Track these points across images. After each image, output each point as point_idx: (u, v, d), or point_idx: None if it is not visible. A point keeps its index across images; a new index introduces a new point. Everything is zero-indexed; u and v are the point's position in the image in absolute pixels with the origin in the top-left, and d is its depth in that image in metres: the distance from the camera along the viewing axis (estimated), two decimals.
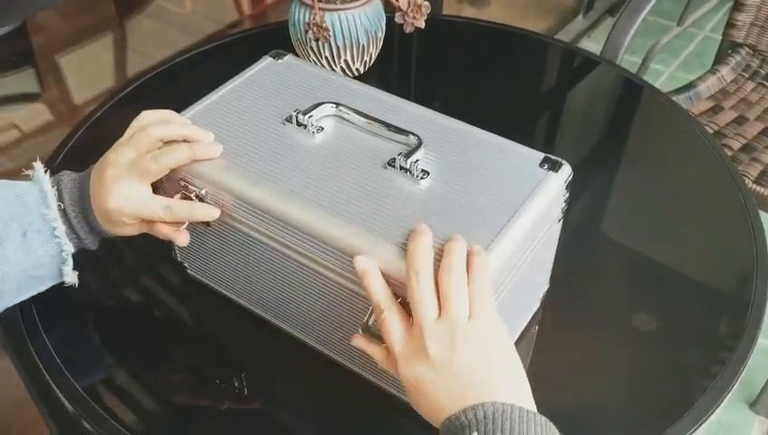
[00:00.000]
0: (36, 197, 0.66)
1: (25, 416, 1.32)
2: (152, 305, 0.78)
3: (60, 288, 0.68)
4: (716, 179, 0.93)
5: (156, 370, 0.72)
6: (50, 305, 0.73)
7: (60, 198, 0.66)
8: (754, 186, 1.28)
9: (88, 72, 1.67)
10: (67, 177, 0.68)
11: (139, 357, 0.73)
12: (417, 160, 0.65)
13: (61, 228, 0.66)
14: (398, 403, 0.66)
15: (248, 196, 0.65)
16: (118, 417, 0.66)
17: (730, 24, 1.53)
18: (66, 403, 0.68)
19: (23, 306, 0.71)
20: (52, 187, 0.66)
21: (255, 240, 0.67)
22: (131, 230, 0.69)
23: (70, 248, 0.67)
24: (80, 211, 0.67)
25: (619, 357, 0.74)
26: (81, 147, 0.94)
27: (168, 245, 0.77)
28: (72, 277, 0.68)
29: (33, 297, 0.68)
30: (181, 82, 1.07)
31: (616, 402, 0.70)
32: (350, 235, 0.60)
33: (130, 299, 0.79)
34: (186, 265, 0.77)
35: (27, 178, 0.67)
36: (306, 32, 0.98)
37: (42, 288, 0.68)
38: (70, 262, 0.67)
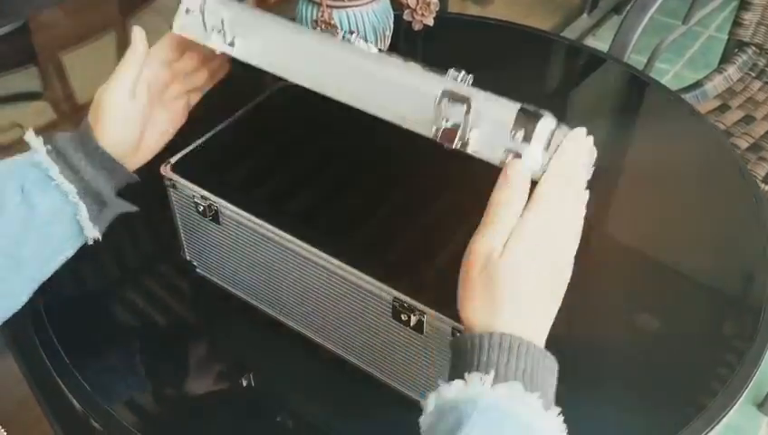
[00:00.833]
0: (26, 154, 0.63)
1: (28, 416, 1.31)
2: (161, 304, 0.78)
3: (62, 289, 0.67)
4: (727, 177, 0.93)
5: (164, 368, 0.72)
6: (56, 306, 0.73)
7: (49, 141, 0.63)
8: (762, 185, 1.27)
9: (91, 70, 1.66)
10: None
11: (147, 356, 0.73)
12: None
13: (54, 169, 0.61)
14: (408, 402, 0.65)
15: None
16: (126, 416, 0.66)
17: (736, 23, 1.52)
18: (74, 402, 0.67)
19: (31, 305, 0.70)
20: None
21: (265, 238, 0.66)
22: (137, 115, 0.65)
23: (71, 189, 0.62)
24: (78, 141, 0.63)
25: (628, 359, 0.73)
26: None
27: (176, 244, 0.76)
28: (91, 230, 0.63)
29: (37, 297, 0.67)
30: None
31: (625, 405, 0.69)
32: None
33: (139, 298, 0.78)
34: (195, 263, 0.77)
35: None
36: (314, 29, 0.98)
37: (66, 253, 0.64)
38: (82, 208, 0.62)
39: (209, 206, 0.68)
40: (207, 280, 0.77)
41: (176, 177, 0.69)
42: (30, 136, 0.63)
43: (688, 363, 0.72)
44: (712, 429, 0.66)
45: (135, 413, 0.67)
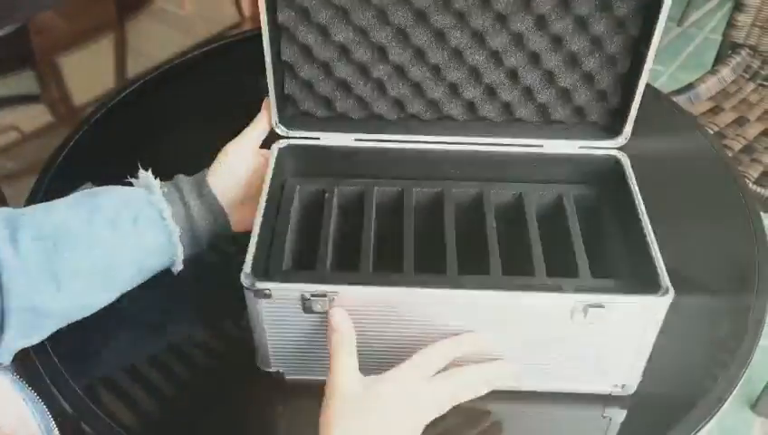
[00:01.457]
0: (142, 189, 0.68)
1: None
2: (153, 305, 0.78)
3: None
4: (717, 180, 0.93)
5: (157, 371, 0.72)
6: None
7: (166, 184, 0.70)
8: (755, 187, 1.28)
9: (88, 73, 1.67)
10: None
11: (139, 357, 0.73)
12: None
13: (167, 210, 0.67)
14: None
15: None
16: (117, 419, 0.66)
17: (730, 25, 1.53)
18: (65, 405, 0.67)
19: None
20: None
21: None
22: (248, 174, 0.72)
23: (176, 230, 0.67)
24: (194, 183, 0.70)
25: None
26: (83, 148, 0.94)
27: None
28: (179, 266, 0.70)
29: None
30: (182, 84, 1.07)
31: (617, 403, 0.70)
32: None
33: (131, 301, 0.79)
34: None
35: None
36: None
37: (145, 279, 0.69)
38: (179, 249, 0.68)
39: None
40: (200, 282, 0.77)
41: None
42: (148, 176, 0.69)
43: (678, 362, 0.73)
44: (703, 427, 0.67)
45: (126, 417, 0.67)
